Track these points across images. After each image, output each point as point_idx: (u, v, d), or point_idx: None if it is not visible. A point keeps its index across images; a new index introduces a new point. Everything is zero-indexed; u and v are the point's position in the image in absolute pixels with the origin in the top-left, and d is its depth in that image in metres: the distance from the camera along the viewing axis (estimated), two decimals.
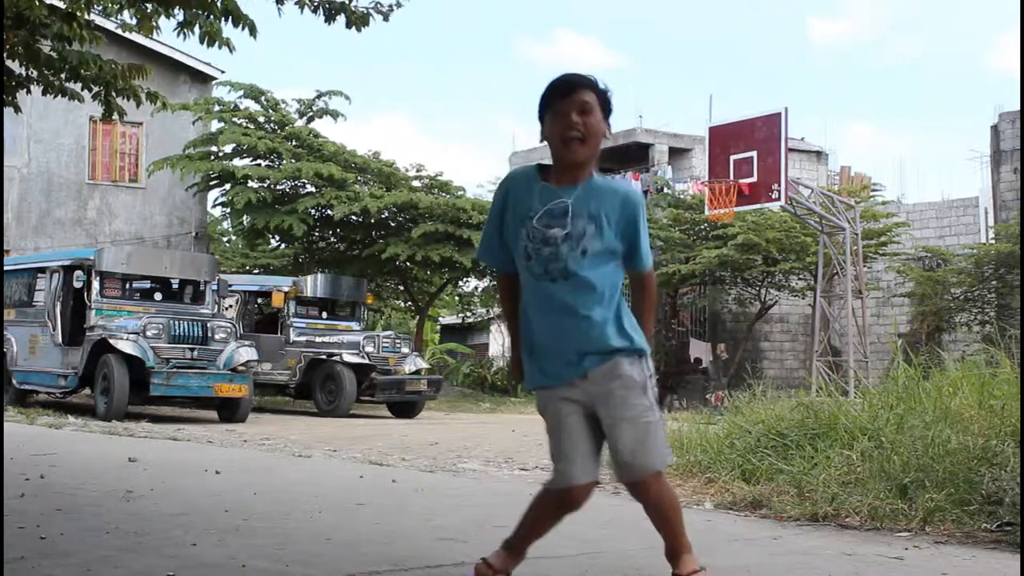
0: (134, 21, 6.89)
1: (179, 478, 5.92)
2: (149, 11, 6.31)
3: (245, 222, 21.87)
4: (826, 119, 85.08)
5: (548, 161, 2.92)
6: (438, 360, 29.96)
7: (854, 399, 7.27)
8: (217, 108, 21.83)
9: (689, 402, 21.09)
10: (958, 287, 22.67)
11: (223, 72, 22.88)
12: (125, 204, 22.82)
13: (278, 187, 21.33)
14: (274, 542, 3.73)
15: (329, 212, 20.72)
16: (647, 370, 2.86)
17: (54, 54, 6.91)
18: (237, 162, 21.36)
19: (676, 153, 28.65)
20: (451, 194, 22.16)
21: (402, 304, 28.94)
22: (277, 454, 8.27)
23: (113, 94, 7.31)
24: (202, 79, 23.23)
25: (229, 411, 13.23)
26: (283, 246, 24.24)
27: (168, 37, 7.35)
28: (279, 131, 21.62)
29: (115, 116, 7.53)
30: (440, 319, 35.68)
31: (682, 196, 24.88)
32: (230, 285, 15.46)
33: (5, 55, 6.85)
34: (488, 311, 30.53)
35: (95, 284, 13.42)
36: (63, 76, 7.14)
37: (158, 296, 14.34)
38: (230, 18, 6.15)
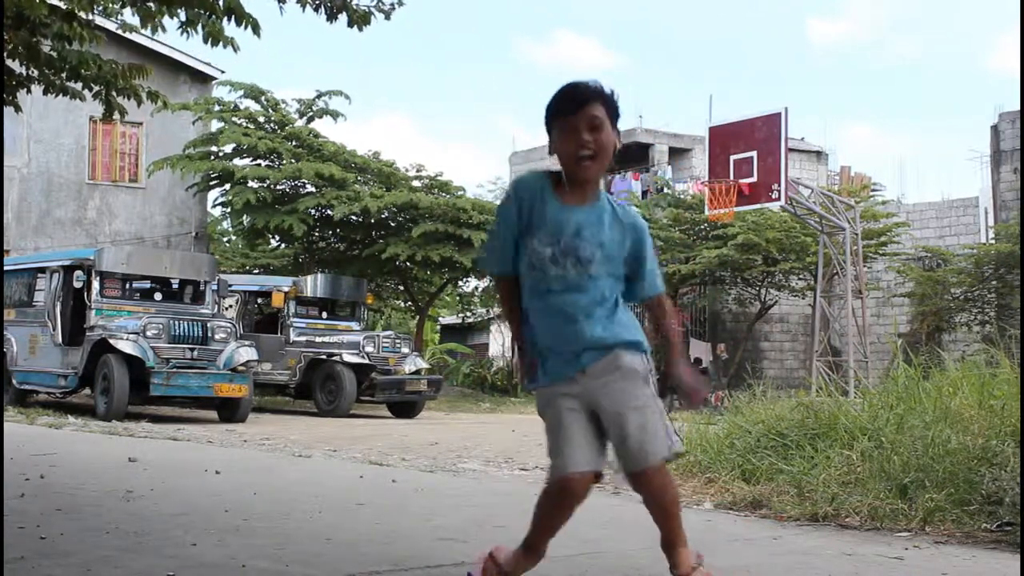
0: (136, 20, 6.88)
1: (179, 478, 5.92)
2: (153, 11, 6.30)
3: (245, 222, 21.88)
4: (826, 119, 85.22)
5: (552, 164, 2.92)
6: (438, 360, 29.96)
7: (854, 399, 7.27)
8: (217, 108, 21.84)
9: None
10: (958, 287, 22.68)
11: (223, 72, 22.92)
12: (125, 204, 22.83)
13: (278, 187, 21.34)
14: (274, 542, 3.73)
15: (329, 212, 20.73)
16: (647, 362, 2.87)
17: (54, 53, 6.91)
18: (237, 162, 21.37)
19: (676, 153, 28.66)
20: (451, 194, 22.18)
21: (402, 304, 28.94)
22: (277, 454, 8.27)
23: (114, 93, 7.31)
24: (202, 79, 23.24)
25: (229, 411, 13.23)
26: (283, 246, 24.25)
27: (171, 37, 7.36)
28: (279, 131, 21.63)
29: (116, 115, 7.53)
30: (440, 319, 35.68)
31: (682, 196, 24.88)
32: (230, 285, 15.46)
33: (5, 55, 6.85)
34: (488, 311, 30.53)
35: (95, 284, 13.42)
36: (64, 75, 7.14)
37: (158, 296, 14.34)
38: (232, 17, 6.13)
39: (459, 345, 34.52)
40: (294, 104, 22.55)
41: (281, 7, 6.28)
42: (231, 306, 16.73)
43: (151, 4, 6.32)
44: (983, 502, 4.26)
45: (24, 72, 7.24)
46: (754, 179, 17.20)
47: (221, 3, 6.06)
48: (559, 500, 2.88)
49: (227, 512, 4.47)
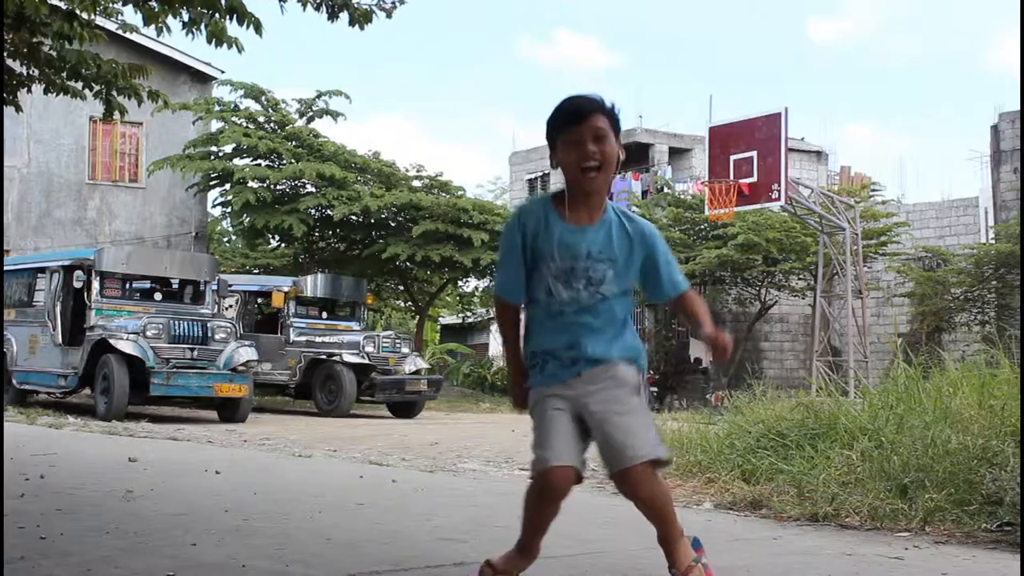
0: (138, 20, 6.89)
1: (179, 478, 5.92)
2: (156, 11, 6.29)
3: (244, 222, 21.89)
4: (826, 119, 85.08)
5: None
6: (438, 360, 29.97)
7: (854, 399, 7.27)
8: (217, 108, 21.84)
9: (689, 402, 21.09)
10: (958, 287, 22.67)
11: (223, 72, 22.93)
12: (125, 204, 22.83)
13: (278, 187, 21.34)
14: (274, 542, 3.73)
15: (329, 212, 20.74)
16: (641, 375, 2.92)
17: (54, 53, 6.91)
18: (237, 162, 21.38)
19: (676, 153, 28.65)
20: (451, 194, 22.18)
21: (402, 304, 28.95)
22: (277, 454, 8.27)
23: (114, 93, 7.31)
24: (202, 79, 23.24)
25: (229, 411, 13.23)
26: (283, 246, 24.25)
27: (175, 37, 7.36)
28: (279, 131, 21.64)
29: (116, 115, 7.53)
30: (440, 319, 35.70)
31: (682, 196, 24.88)
32: (230, 285, 15.46)
33: (5, 54, 6.85)
34: (488, 311, 30.54)
35: (95, 284, 13.42)
36: (64, 75, 7.14)
37: (158, 296, 14.34)
38: (235, 16, 6.12)
39: (459, 345, 34.53)
40: (294, 104, 22.58)
41: (282, 6, 6.26)
42: (231, 306, 16.73)
43: (154, 4, 6.32)
44: (983, 502, 4.26)
45: (24, 72, 7.24)
46: (754, 179, 17.19)
47: (223, 2, 6.04)
48: (543, 494, 2.89)
49: (227, 512, 4.47)
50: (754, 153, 17.21)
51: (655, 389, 22.81)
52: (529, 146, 31.02)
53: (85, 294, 13.44)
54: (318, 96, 22.49)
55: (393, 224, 21.87)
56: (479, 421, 15.64)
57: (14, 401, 13.79)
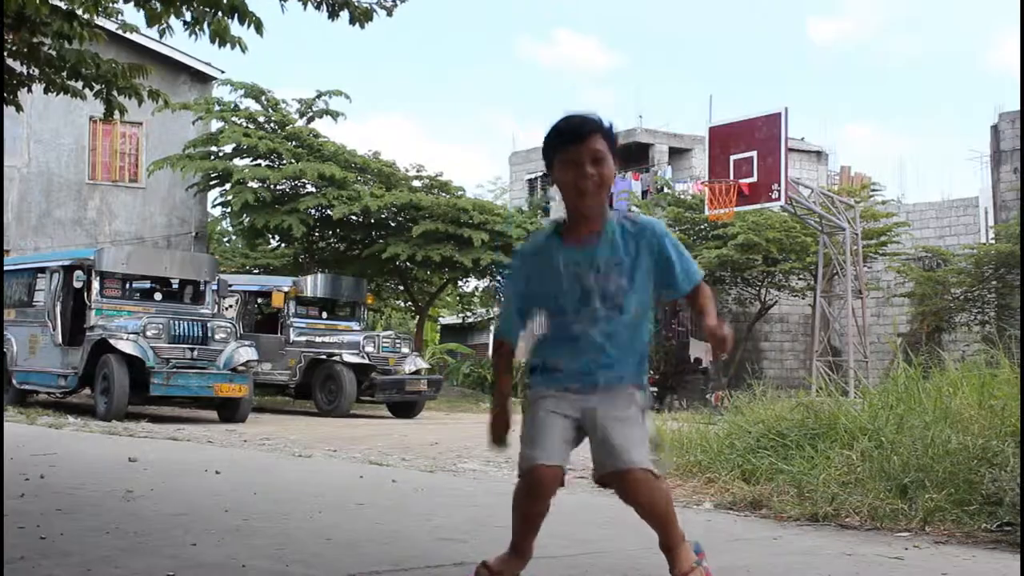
0: (139, 20, 6.88)
1: (179, 478, 5.92)
2: (159, 11, 6.29)
3: (244, 222, 21.89)
4: (826, 119, 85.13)
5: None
6: (438, 360, 29.96)
7: (854, 399, 7.27)
8: (217, 108, 21.83)
9: (689, 402, 21.09)
10: (958, 287, 22.66)
11: (223, 72, 22.92)
12: (125, 204, 22.83)
13: (278, 187, 21.34)
14: (274, 542, 3.73)
15: (329, 212, 20.74)
16: (646, 399, 2.93)
17: (54, 53, 6.91)
18: (237, 162, 21.38)
19: (676, 153, 28.65)
20: (451, 194, 22.18)
21: (402, 304, 28.94)
22: (277, 454, 8.27)
23: (114, 92, 7.31)
24: (202, 79, 23.24)
25: (229, 411, 13.23)
26: (283, 246, 24.25)
27: (177, 38, 7.35)
28: (279, 131, 21.63)
29: (116, 114, 7.53)
30: (440, 319, 35.68)
31: (682, 196, 24.88)
32: (230, 285, 15.47)
33: (5, 54, 6.85)
34: (488, 311, 30.53)
35: (95, 284, 13.42)
36: (64, 74, 7.14)
37: (158, 296, 14.34)
38: (236, 15, 6.12)
39: (459, 345, 34.51)
40: (294, 104, 22.57)
41: (283, 5, 6.26)
42: (231, 306, 16.73)
43: (156, 4, 6.31)
44: (983, 502, 4.26)
45: (24, 71, 7.24)
46: (754, 179, 17.19)
47: (224, 1, 6.04)
48: (530, 492, 2.89)
49: (227, 512, 4.47)
50: (754, 153, 17.21)
51: (655, 389, 22.79)
52: (529, 146, 31.04)
53: (85, 294, 13.44)
54: (318, 96, 22.49)
55: (393, 224, 21.86)
56: (479, 421, 15.60)
57: (14, 401, 13.79)
